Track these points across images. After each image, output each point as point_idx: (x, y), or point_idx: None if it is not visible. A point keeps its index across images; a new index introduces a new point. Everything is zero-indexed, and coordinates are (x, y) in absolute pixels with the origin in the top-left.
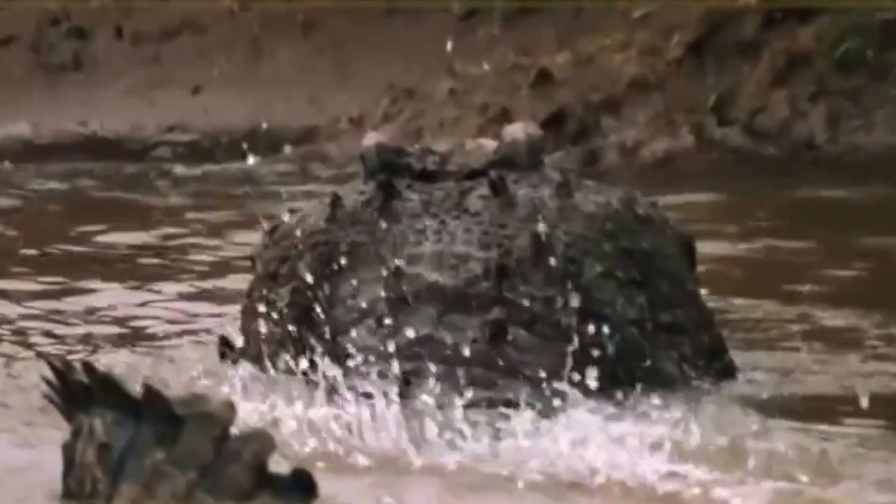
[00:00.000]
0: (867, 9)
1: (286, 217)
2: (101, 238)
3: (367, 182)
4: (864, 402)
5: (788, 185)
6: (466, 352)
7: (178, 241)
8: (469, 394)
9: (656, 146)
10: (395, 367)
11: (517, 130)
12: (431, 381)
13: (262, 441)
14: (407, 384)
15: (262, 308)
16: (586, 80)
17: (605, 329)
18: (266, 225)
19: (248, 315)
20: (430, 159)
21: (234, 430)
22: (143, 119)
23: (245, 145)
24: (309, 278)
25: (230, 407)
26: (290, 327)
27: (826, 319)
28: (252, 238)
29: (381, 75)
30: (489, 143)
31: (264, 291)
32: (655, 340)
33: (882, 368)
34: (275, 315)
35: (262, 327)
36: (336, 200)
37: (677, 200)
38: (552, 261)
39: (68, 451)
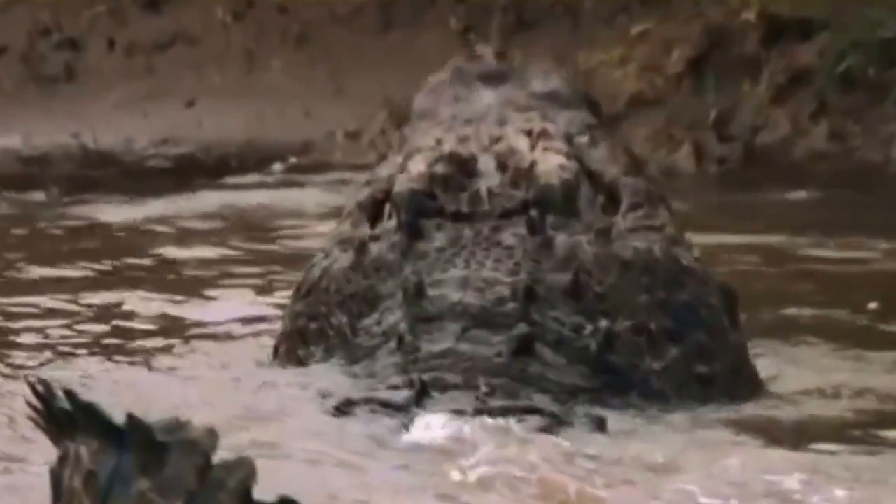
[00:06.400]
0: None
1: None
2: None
3: (399, 227)
4: None
5: (790, 199)
6: (488, 363)
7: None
8: (489, 403)
9: (656, 162)
10: (414, 377)
11: (551, 173)
12: (450, 392)
13: (245, 468)
14: (425, 394)
15: (290, 365)
16: None
17: (629, 378)
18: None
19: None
20: (464, 197)
21: (216, 458)
22: (136, 131)
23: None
24: (337, 328)
25: (212, 433)
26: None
27: (862, 343)
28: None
29: (378, 89)
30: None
31: (293, 348)
32: (686, 390)
33: None
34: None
35: None
36: (362, 247)
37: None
38: (583, 302)
39: (56, 477)
